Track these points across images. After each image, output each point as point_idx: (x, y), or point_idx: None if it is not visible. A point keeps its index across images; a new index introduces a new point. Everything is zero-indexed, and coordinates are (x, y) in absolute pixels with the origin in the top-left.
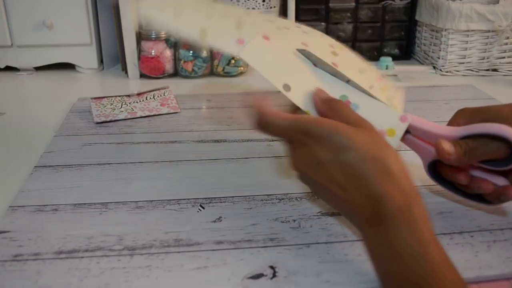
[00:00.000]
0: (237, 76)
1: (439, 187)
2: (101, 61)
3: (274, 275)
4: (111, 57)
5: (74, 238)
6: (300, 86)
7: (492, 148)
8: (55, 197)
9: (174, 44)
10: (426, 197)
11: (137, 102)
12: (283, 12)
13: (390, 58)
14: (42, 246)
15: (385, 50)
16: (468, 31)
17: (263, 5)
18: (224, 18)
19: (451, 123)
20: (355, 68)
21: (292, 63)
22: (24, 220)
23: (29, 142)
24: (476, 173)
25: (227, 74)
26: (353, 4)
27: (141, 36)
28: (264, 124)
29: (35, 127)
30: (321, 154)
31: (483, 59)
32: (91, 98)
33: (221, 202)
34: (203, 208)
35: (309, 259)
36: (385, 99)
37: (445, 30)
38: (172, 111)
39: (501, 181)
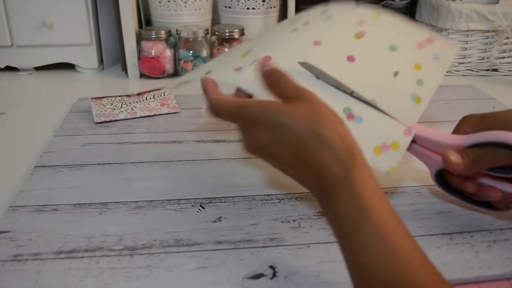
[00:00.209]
0: None
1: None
2: (101, 61)
3: (274, 275)
4: (111, 57)
5: (74, 238)
6: None
7: (500, 156)
8: (55, 197)
9: (174, 44)
10: (426, 197)
11: (137, 102)
12: (283, 12)
13: None
14: (42, 246)
15: None
16: (468, 31)
17: (263, 5)
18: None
19: (457, 130)
20: (385, 46)
21: None
22: (24, 220)
23: (29, 142)
24: (484, 180)
25: None
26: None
27: (141, 36)
28: (213, 110)
29: (35, 127)
30: (262, 136)
31: (483, 59)
32: (91, 98)
33: (221, 202)
34: (203, 208)
35: (309, 259)
36: (412, 85)
37: (445, 30)
38: (172, 111)
39: (509, 188)
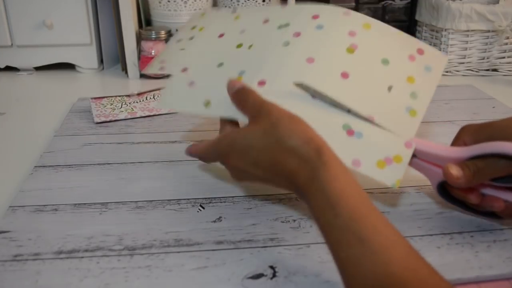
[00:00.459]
0: None
1: None
2: (101, 61)
3: (274, 275)
4: (111, 57)
5: (74, 238)
6: None
7: (501, 166)
8: (55, 197)
9: None
10: (426, 197)
11: (137, 102)
12: None
13: None
14: (42, 246)
15: None
16: (468, 31)
17: (263, 5)
18: (229, 69)
19: (456, 141)
20: (377, 60)
21: (286, 106)
22: (24, 220)
23: (29, 142)
24: (487, 191)
25: None
26: (353, 4)
27: (141, 36)
28: (197, 158)
29: (35, 127)
30: (237, 163)
31: (483, 59)
32: (91, 98)
33: (221, 202)
34: (203, 208)
35: (309, 259)
36: (407, 99)
37: (445, 30)
38: (172, 111)
39: None
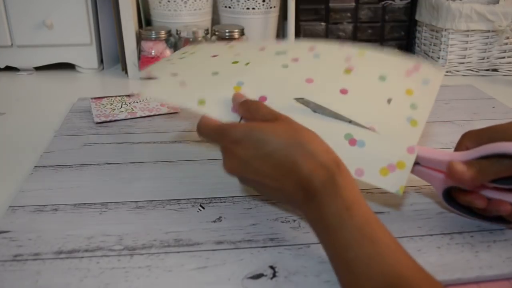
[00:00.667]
0: None
1: None
2: (101, 61)
3: (274, 275)
4: (111, 57)
5: (74, 238)
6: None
7: (505, 166)
8: (55, 197)
9: (174, 44)
10: (426, 197)
11: (137, 102)
12: (283, 12)
13: None
14: (42, 246)
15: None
16: (468, 31)
17: (263, 5)
18: (226, 77)
19: (459, 147)
20: (374, 77)
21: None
22: (24, 220)
23: (29, 142)
24: (492, 194)
25: None
26: (353, 4)
27: (141, 36)
28: (198, 130)
29: (35, 127)
30: (243, 154)
31: (483, 59)
32: (91, 98)
33: (221, 202)
34: (203, 208)
35: (309, 259)
36: (407, 110)
37: (445, 30)
38: (172, 111)
39: None
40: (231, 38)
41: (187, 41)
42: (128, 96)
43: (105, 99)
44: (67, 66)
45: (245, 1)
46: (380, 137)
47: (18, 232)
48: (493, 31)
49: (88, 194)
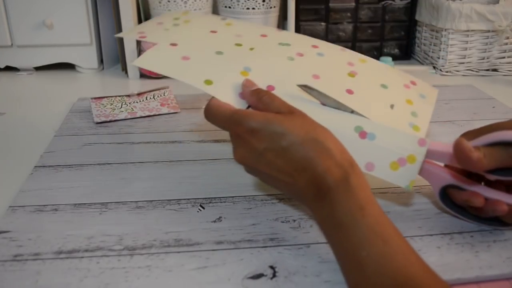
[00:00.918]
0: None
1: None
2: (101, 61)
3: (274, 275)
4: (111, 57)
5: (74, 238)
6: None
7: (510, 154)
8: (55, 197)
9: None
10: (426, 197)
11: (137, 102)
12: (283, 12)
13: (390, 58)
14: (42, 246)
15: (385, 50)
16: (468, 31)
17: (263, 5)
18: (231, 59)
19: None
20: (377, 84)
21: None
22: (24, 220)
23: (29, 142)
24: (488, 193)
25: None
26: (353, 4)
27: None
28: (208, 113)
29: (35, 127)
30: (258, 145)
31: (483, 59)
32: (91, 98)
33: (221, 202)
34: (203, 208)
35: (309, 259)
36: (408, 116)
37: (445, 30)
38: (172, 111)
39: None
40: None
41: None
42: (128, 96)
43: (105, 99)
44: (67, 66)
45: (245, 1)
46: (391, 129)
47: (18, 232)
48: (493, 31)
49: (88, 194)
